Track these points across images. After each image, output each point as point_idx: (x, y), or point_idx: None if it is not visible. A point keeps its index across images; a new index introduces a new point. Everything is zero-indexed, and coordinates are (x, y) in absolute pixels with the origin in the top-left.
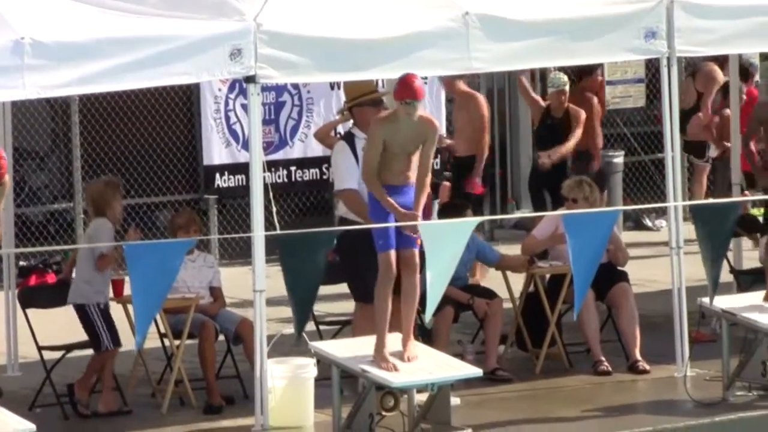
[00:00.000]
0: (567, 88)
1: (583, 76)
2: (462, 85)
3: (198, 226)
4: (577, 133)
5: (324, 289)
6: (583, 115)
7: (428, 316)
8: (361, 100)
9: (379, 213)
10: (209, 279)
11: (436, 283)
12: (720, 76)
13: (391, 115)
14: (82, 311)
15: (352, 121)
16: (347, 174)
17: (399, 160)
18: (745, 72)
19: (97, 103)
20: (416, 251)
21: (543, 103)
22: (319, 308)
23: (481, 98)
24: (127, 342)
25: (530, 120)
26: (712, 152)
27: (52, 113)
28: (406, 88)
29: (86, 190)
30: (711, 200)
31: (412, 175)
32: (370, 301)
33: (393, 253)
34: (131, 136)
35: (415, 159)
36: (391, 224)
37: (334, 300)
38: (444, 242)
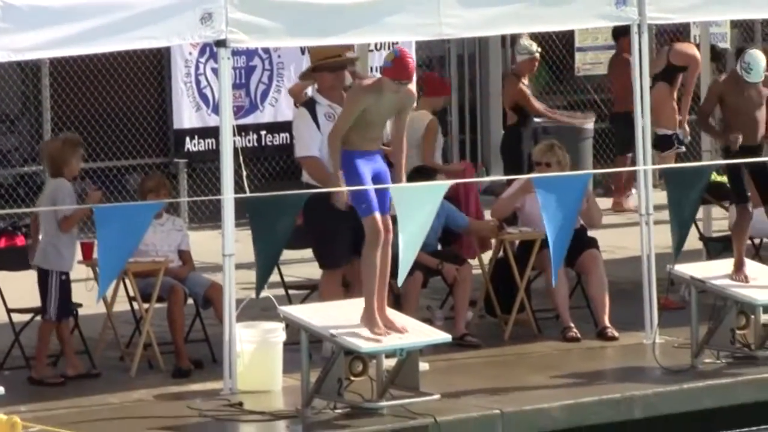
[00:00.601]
0: (538, 55)
1: (620, 38)
2: None
3: (167, 189)
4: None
5: (294, 254)
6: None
7: (401, 281)
8: (318, 65)
9: (354, 176)
10: (178, 242)
11: (409, 247)
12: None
13: (376, 85)
14: (43, 275)
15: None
16: (309, 141)
17: (375, 128)
18: (717, 56)
19: (68, 66)
20: (388, 216)
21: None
22: (288, 273)
23: None
24: (96, 306)
25: (500, 88)
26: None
27: (23, 76)
28: (403, 70)
29: (42, 147)
30: (682, 164)
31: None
32: (334, 267)
33: (378, 216)
34: (101, 100)
35: (388, 124)
36: (362, 187)
37: (304, 264)
38: (415, 206)
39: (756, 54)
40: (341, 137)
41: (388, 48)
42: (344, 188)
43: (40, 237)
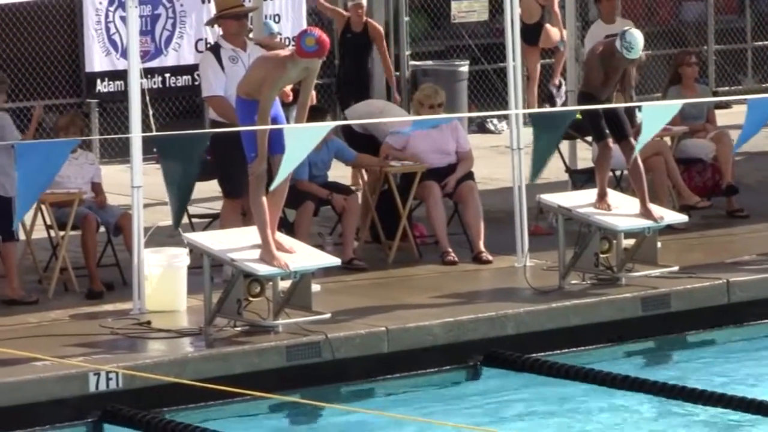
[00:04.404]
0: (365, 2)
1: None
2: None
3: (79, 126)
4: (383, 49)
5: (198, 186)
6: (381, 30)
7: (273, 186)
8: (224, 14)
9: (250, 126)
10: (91, 175)
11: (285, 169)
12: None
13: (291, 60)
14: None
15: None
16: (214, 82)
17: (282, 89)
18: None
19: None
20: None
21: (345, 14)
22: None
23: None
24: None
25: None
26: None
27: None
28: (323, 49)
29: None
30: (547, 109)
31: None
32: (235, 197)
33: (258, 161)
34: (20, 45)
35: None
36: (254, 127)
37: (205, 195)
38: (303, 141)
39: (637, 34)
40: (269, 114)
41: None
42: (245, 128)
43: None
